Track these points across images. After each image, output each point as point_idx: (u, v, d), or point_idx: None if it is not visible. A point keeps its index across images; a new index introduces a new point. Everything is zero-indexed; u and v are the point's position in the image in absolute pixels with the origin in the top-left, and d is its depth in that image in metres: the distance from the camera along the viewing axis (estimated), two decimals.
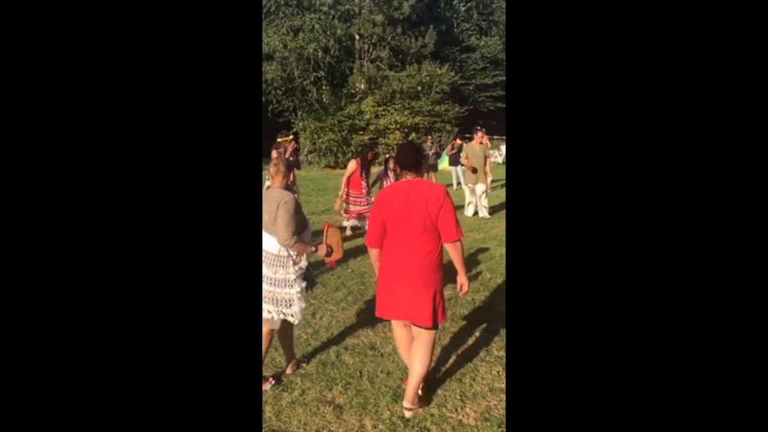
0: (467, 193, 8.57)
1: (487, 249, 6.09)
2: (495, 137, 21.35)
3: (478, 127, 8.94)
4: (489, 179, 8.47)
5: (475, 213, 8.55)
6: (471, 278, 4.83)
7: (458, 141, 12.98)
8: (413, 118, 22.27)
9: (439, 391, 2.74)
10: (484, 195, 8.37)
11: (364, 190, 6.83)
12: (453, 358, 3.14)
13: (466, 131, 21.90)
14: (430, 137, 13.75)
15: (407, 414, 2.52)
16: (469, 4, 28.32)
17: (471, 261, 5.51)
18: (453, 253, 2.42)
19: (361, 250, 6.02)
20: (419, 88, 22.26)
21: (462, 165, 9.52)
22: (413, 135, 22.64)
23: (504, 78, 28.10)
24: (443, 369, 3.00)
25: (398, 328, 2.66)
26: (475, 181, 8.28)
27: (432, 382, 2.85)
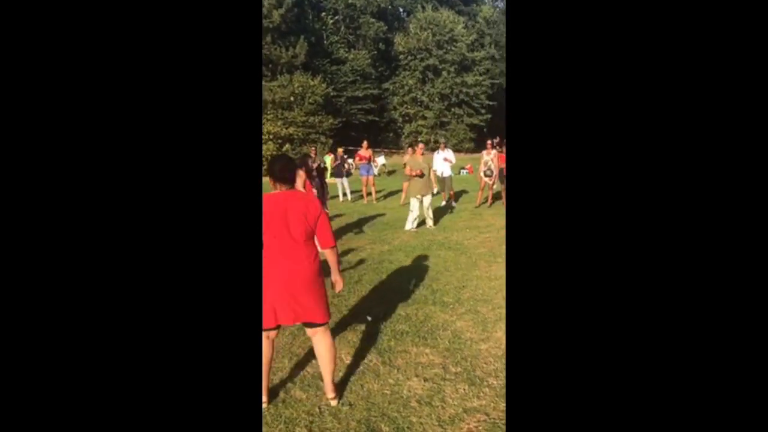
0: (414, 205, 8.23)
1: (397, 260, 6.03)
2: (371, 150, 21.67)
3: (419, 139, 9.60)
4: (435, 189, 8.51)
5: (421, 224, 8.37)
6: (404, 294, 4.72)
7: (341, 151, 12.91)
8: (287, 128, 21.81)
9: (414, 419, 2.55)
10: (430, 206, 8.34)
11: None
12: (413, 380, 2.97)
13: (342, 143, 21.98)
14: (313, 148, 13.49)
15: (333, 403, 2.71)
16: (336, 17, 28.60)
17: (389, 274, 5.40)
18: (331, 257, 2.72)
19: None
20: (292, 98, 21.88)
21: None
22: (287, 146, 22.17)
23: (373, 92, 28.87)
24: (405, 393, 2.82)
25: (267, 341, 2.66)
26: (422, 192, 8.13)
27: (400, 407, 2.65)
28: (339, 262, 2.77)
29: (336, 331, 3.77)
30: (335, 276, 2.78)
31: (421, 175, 8.11)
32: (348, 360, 3.28)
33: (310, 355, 3.37)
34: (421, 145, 8.99)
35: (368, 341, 3.57)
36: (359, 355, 3.34)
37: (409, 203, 11.48)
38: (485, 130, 33.50)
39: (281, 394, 2.85)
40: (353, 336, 3.68)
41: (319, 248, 2.68)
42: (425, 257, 6.16)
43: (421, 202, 8.26)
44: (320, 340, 2.69)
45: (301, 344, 3.55)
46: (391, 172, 21.16)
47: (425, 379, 2.96)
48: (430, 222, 8.39)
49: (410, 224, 8.25)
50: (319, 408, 2.69)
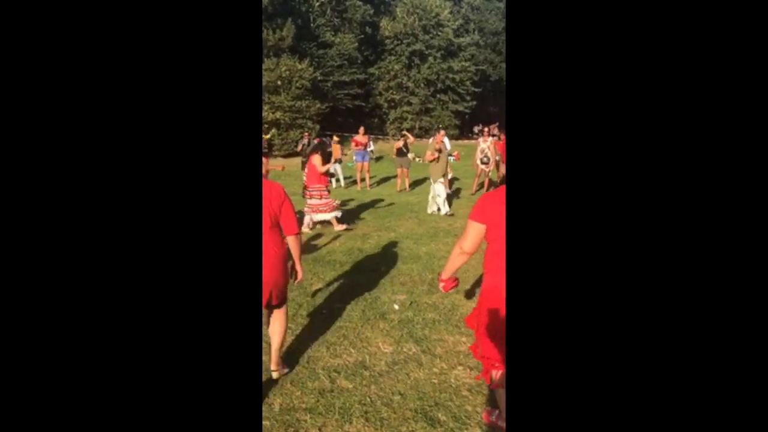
0: (439, 189, 8.38)
1: (408, 247, 6.03)
2: (329, 133, 21.49)
3: (440, 126, 9.70)
4: (449, 176, 8.73)
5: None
6: (424, 282, 4.72)
7: (336, 138, 12.79)
8: (273, 113, 21.47)
9: (469, 407, 2.56)
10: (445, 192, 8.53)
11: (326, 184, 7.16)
12: (458, 368, 2.98)
13: (329, 128, 21.76)
14: (307, 132, 13.30)
15: (275, 375, 2.86)
16: (322, 0, 28.10)
17: (404, 262, 5.39)
18: (294, 245, 2.78)
19: None
20: (279, 82, 21.52)
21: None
22: (273, 131, 21.87)
23: (359, 76, 28.56)
24: (453, 382, 2.82)
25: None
26: (441, 176, 8.36)
27: (452, 395, 2.66)
28: (301, 251, 2.94)
29: (366, 319, 3.76)
30: (297, 265, 2.88)
31: (437, 160, 8.30)
32: (386, 349, 3.27)
33: (348, 343, 3.36)
34: (442, 132, 9.08)
35: (401, 330, 3.56)
36: (396, 344, 3.33)
37: (405, 189, 11.60)
38: (467, 117, 33.58)
39: (327, 383, 2.83)
40: (384, 324, 3.67)
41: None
42: (435, 245, 6.17)
43: (443, 185, 8.44)
44: (278, 317, 2.89)
45: (335, 332, 3.53)
46: (378, 159, 21.05)
47: (470, 368, 2.97)
48: (447, 207, 8.53)
49: (444, 207, 8.40)
50: (370, 398, 2.68)
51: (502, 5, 37.83)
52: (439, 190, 8.37)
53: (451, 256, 2.34)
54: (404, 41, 31.11)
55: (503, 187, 2.24)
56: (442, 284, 2.47)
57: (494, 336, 2.15)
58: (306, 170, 7.39)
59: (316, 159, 7.01)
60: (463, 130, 33.13)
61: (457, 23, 32.62)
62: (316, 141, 9.78)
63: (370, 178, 12.95)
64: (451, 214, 8.26)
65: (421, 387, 2.78)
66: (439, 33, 31.31)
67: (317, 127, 22.15)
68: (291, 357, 3.16)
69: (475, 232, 2.20)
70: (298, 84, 21.85)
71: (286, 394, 2.72)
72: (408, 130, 22.06)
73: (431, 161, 8.34)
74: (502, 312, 2.06)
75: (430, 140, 9.19)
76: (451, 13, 32.63)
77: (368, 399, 2.67)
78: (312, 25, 26.63)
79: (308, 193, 7.11)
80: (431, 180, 8.50)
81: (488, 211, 2.16)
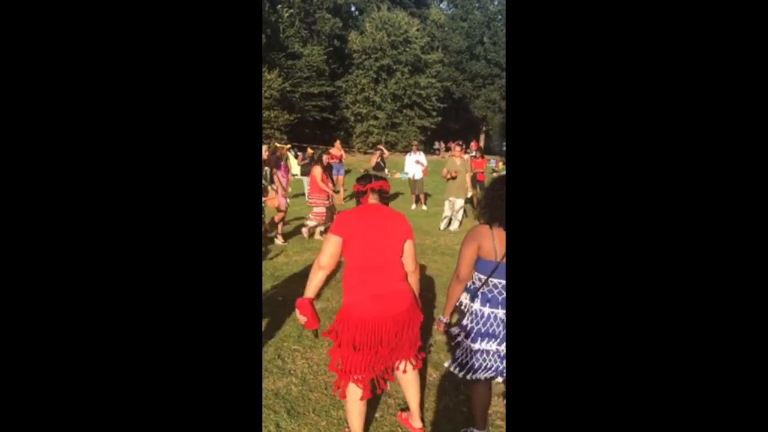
0: (446, 206, 8.38)
1: None
2: (321, 146, 21.33)
3: (461, 141, 9.10)
4: (469, 193, 8.45)
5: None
6: (426, 301, 4.61)
7: (311, 150, 12.60)
8: None
9: None
10: (462, 209, 8.31)
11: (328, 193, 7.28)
12: None
13: (296, 139, 21.49)
14: (282, 143, 13.06)
15: None
16: (291, 11, 27.91)
17: None
18: None
19: (292, 269, 5.36)
20: None
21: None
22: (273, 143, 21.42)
23: (327, 89, 28.46)
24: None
25: None
26: (455, 194, 8.18)
27: (489, 426, 2.56)
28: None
29: None
30: None
31: (455, 177, 8.18)
32: None
33: None
34: (458, 148, 8.60)
35: None
36: None
37: None
38: (429, 133, 33.93)
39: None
40: None
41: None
42: (423, 261, 6.09)
43: (453, 204, 8.31)
44: None
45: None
46: (347, 172, 20.91)
47: (497, 395, 2.89)
48: (456, 224, 8.43)
49: (442, 225, 8.43)
50: (401, 428, 2.55)
51: (466, 25, 38.65)
52: (446, 207, 8.41)
53: (311, 275, 2.24)
54: (372, 56, 31.23)
55: (363, 206, 2.36)
56: (304, 319, 2.21)
57: (355, 350, 2.18)
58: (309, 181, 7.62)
59: (317, 171, 7.21)
60: (427, 145, 33.43)
61: (424, 40, 33.03)
62: (311, 154, 9.95)
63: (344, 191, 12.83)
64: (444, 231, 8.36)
65: (451, 415, 2.67)
66: (407, 49, 31.61)
67: (285, 137, 21.84)
68: (307, 382, 2.99)
69: (332, 245, 2.18)
70: (266, 94, 21.53)
71: (311, 424, 2.56)
72: (376, 143, 22.03)
73: (449, 179, 8.24)
74: (363, 327, 2.15)
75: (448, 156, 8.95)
76: (418, 30, 33.04)
77: (399, 429, 2.54)
78: (281, 35, 26.38)
79: (310, 201, 7.40)
80: (445, 197, 8.50)
81: (345, 224, 2.21)
